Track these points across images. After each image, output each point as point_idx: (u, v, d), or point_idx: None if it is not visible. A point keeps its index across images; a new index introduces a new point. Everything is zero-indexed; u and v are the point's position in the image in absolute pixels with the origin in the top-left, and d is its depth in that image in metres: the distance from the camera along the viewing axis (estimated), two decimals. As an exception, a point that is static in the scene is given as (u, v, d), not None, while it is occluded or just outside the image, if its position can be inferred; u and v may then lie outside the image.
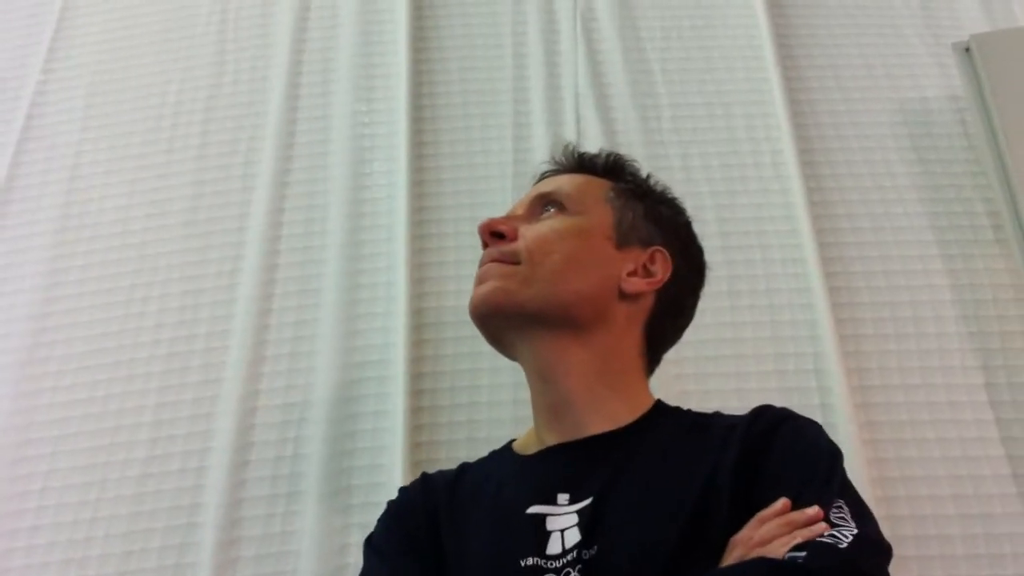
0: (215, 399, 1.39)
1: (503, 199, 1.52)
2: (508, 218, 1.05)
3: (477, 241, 1.05)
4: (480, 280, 1.01)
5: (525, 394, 1.31)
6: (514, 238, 1.01)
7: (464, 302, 1.40)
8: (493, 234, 1.03)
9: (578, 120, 1.61)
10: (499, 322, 1.01)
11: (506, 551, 0.88)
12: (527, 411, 1.19)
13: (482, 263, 1.03)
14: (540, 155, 1.56)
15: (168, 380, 1.41)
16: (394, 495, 1.08)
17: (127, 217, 1.58)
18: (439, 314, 1.44)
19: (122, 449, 1.36)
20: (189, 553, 1.27)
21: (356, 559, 1.24)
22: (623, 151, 1.16)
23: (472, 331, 1.37)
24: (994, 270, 1.44)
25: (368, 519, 1.25)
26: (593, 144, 1.53)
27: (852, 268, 1.45)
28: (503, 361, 1.10)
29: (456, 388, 1.37)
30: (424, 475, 1.06)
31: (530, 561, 0.86)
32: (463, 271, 1.46)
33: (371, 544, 0.99)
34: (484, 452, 1.09)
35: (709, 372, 1.36)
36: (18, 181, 1.64)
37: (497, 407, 1.35)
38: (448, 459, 1.28)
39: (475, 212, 1.51)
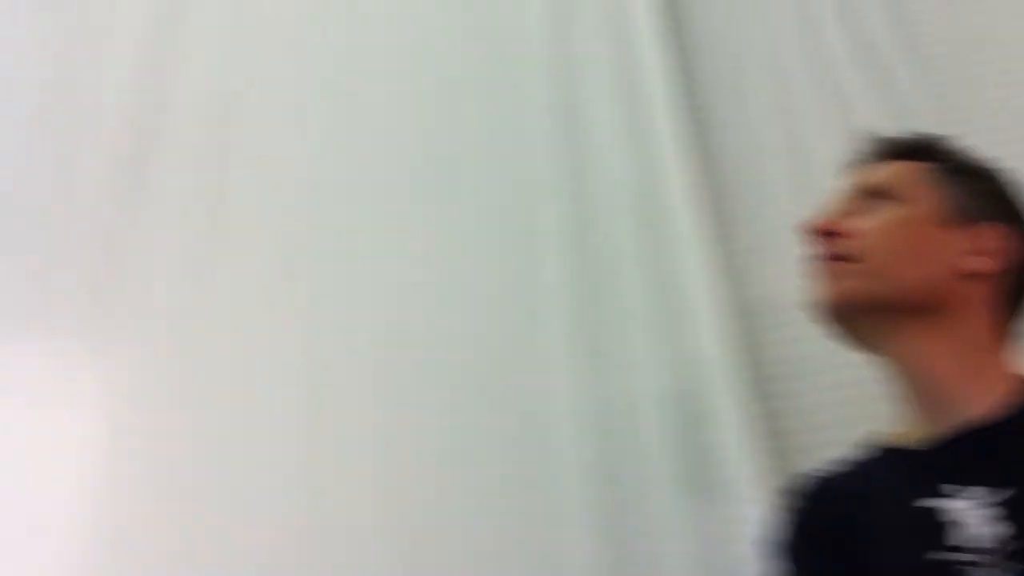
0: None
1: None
2: (839, 214, 1.06)
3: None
4: (823, 280, 1.02)
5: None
6: (848, 235, 1.02)
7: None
8: (827, 233, 1.04)
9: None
10: (851, 321, 1.02)
11: (926, 551, 0.88)
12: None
13: (819, 262, 1.03)
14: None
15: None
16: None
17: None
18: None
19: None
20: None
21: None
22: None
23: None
24: None
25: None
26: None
27: None
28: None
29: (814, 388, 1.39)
30: (812, 477, 1.06)
31: (962, 556, 0.86)
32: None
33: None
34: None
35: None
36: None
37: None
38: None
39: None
